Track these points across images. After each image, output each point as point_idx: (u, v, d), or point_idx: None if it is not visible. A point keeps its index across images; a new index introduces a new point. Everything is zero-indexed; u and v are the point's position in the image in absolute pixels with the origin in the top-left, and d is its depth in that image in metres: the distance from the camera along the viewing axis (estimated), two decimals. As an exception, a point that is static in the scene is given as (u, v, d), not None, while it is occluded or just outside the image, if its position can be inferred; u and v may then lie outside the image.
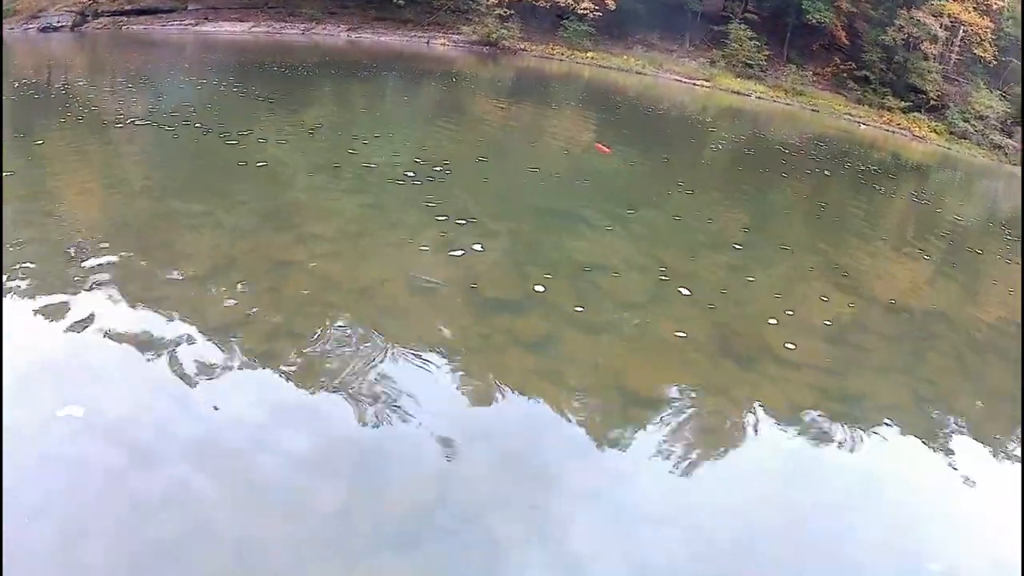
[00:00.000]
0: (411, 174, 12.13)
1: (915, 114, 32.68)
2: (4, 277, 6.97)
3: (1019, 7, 34.64)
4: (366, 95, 21.94)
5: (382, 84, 24.13)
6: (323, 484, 5.05)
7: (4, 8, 35.30)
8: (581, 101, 26.24)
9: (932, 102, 33.08)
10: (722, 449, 6.25)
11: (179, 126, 13.70)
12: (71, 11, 34.41)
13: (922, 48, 33.06)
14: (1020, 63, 33.28)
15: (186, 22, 33.84)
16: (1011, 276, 14.15)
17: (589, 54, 31.92)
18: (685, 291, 9.17)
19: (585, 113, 23.96)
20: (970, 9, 33.30)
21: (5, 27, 34.97)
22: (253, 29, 33.34)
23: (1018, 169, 32.26)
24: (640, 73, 31.61)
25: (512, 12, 31.81)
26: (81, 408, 5.37)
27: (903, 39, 32.78)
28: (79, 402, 5.45)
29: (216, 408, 5.62)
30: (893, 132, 32.07)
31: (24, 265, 7.34)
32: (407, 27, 33.03)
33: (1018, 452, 7.21)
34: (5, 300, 6.60)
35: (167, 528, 4.54)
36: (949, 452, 6.95)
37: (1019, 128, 33.12)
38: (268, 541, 4.54)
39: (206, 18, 33.82)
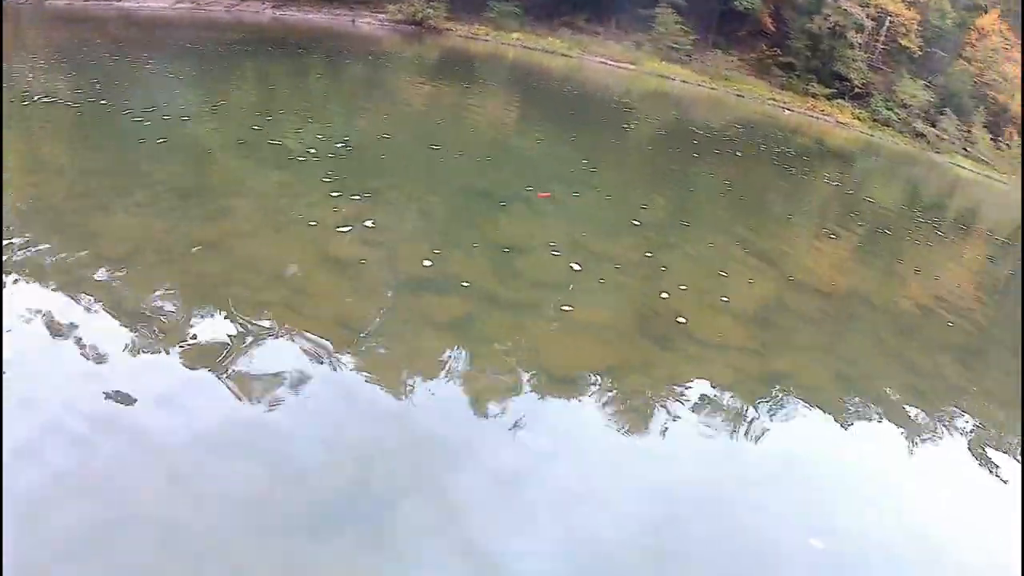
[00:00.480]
0: (316, 152, 11.82)
1: (839, 101, 33.01)
2: None
3: (945, 0, 35.29)
4: (288, 74, 21.47)
5: (304, 63, 23.68)
6: (238, 469, 4.87)
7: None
8: (505, 82, 26.00)
9: (857, 90, 33.45)
10: (643, 429, 6.17)
11: (94, 104, 13.11)
12: (-9, -17, 33.43)
13: (848, 37, 33.39)
14: (944, 54, 33.85)
15: (108, -3, 32.98)
16: (930, 260, 14.50)
17: (515, 35, 31.65)
18: (605, 271, 9.06)
19: (508, 94, 23.72)
20: (897, 0, 33.79)
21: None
22: (177, 6, 32.55)
23: (939, 157, 32.80)
24: (565, 55, 31.39)
25: (438, -10, 31.53)
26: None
27: (829, 27, 33.08)
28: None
29: (123, 393, 5.35)
30: (817, 118, 32.35)
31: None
32: (333, 5, 32.44)
33: (927, 432, 7.26)
34: None
35: (84, 513, 4.34)
36: (868, 430, 7.00)
37: (942, 117, 33.68)
38: (187, 526, 4.36)
39: (130, -7, 33.00)
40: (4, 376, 5.24)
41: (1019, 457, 7.12)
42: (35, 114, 12.46)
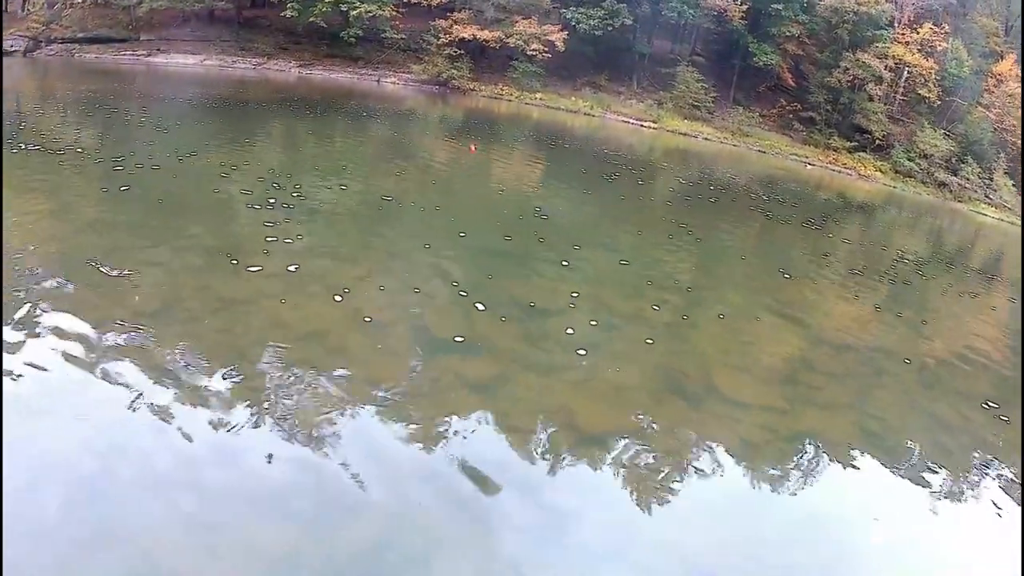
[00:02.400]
0: (341, 211, 12.23)
1: (861, 154, 33.20)
2: None
3: (963, 49, 35.51)
4: (313, 133, 22.03)
5: (330, 121, 24.22)
6: (271, 526, 5.08)
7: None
8: (528, 141, 26.46)
9: (878, 142, 33.65)
10: (670, 487, 6.30)
11: (125, 158, 13.71)
12: (24, 36, 34.45)
13: (867, 89, 33.70)
14: (962, 102, 33.99)
15: (138, 52, 33.98)
16: (955, 311, 14.44)
17: (538, 95, 32.24)
18: (631, 330, 9.26)
19: (532, 153, 24.14)
20: (914, 51, 34.04)
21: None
22: (205, 62, 33.49)
23: (962, 206, 32.84)
24: (588, 114, 31.94)
25: (462, 52, 32.14)
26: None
27: (848, 80, 33.41)
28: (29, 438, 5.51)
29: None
30: (839, 172, 32.54)
31: None
32: (358, 65, 33.26)
33: (957, 490, 7.27)
34: None
35: (114, 566, 4.56)
36: (895, 486, 7.02)
37: (963, 165, 33.75)
38: None
39: (159, 49, 33.99)
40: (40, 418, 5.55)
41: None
42: (82, 167, 13.15)
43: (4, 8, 36.78)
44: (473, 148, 15.95)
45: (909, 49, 34.15)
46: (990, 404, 9.45)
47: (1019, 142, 34.59)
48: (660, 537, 5.69)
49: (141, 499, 5.12)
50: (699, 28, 34.29)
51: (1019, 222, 31.75)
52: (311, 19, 31.90)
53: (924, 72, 34.23)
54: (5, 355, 6.42)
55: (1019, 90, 35.02)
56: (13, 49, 34.33)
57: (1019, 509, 6.93)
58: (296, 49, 33.30)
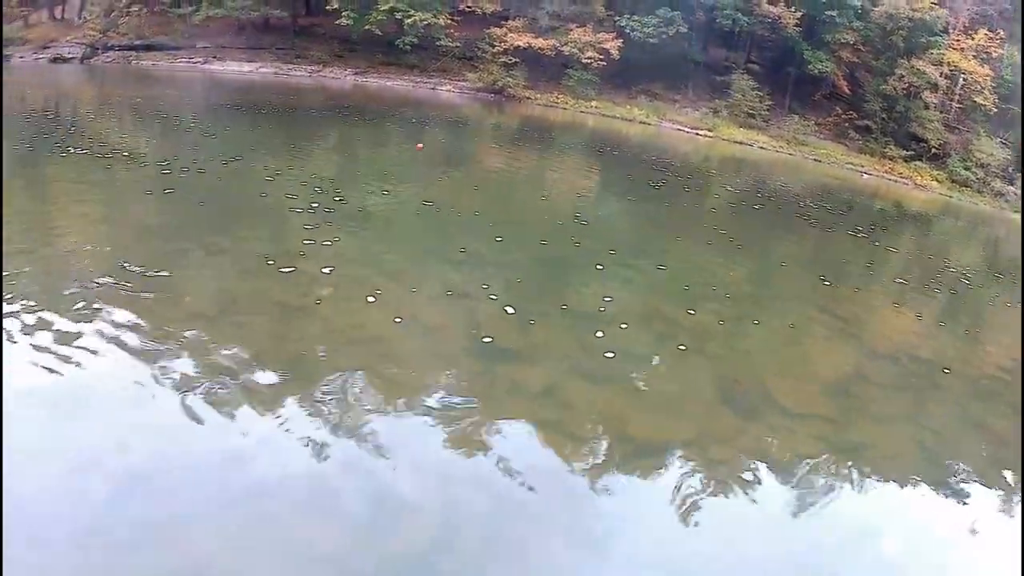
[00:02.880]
0: (395, 216, 12.41)
1: (916, 163, 32.94)
2: (7, 307, 7.14)
3: (1018, 55, 35.07)
4: (368, 139, 22.23)
5: (385, 128, 24.40)
6: (323, 528, 5.13)
7: (14, 37, 35.80)
8: (583, 149, 26.50)
9: (933, 150, 33.36)
10: (722, 498, 6.30)
11: (181, 164, 14.01)
12: (81, 43, 34.96)
13: (923, 97, 33.43)
14: (1020, 110, 33.57)
15: (194, 60, 34.36)
16: (1012, 323, 14.20)
17: (593, 103, 32.25)
18: (686, 340, 9.29)
19: (587, 161, 24.19)
20: (970, 58, 33.70)
21: (15, 55, 35.43)
22: (260, 69, 33.79)
23: (1019, 216, 32.48)
24: (643, 123, 31.92)
25: (517, 60, 32.19)
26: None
27: (904, 88, 33.14)
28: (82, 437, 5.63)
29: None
30: (895, 181, 32.30)
31: (27, 302, 7.45)
32: (413, 72, 33.41)
33: (1019, 501, 7.17)
34: (9, 333, 6.73)
35: (163, 566, 4.61)
36: (951, 502, 6.98)
37: (1020, 175, 33.36)
38: None
39: (214, 57, 34.36)
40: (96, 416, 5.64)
41: None
42: (140, 172, 13.52)
43: (61, 16, 37.31)
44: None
45: (964, 55, 33.82)
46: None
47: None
48: (710, 549, 5.72)
49: (190, 497, 5.21)
50: (754, 35, 34.07)
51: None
52: (366, 27, 32.10)
53: (979, 79, 33.85)
54: (58, 347, 6.62)
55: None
56: (71, 56, 34.90)
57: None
58: (351, 57, 33.52)
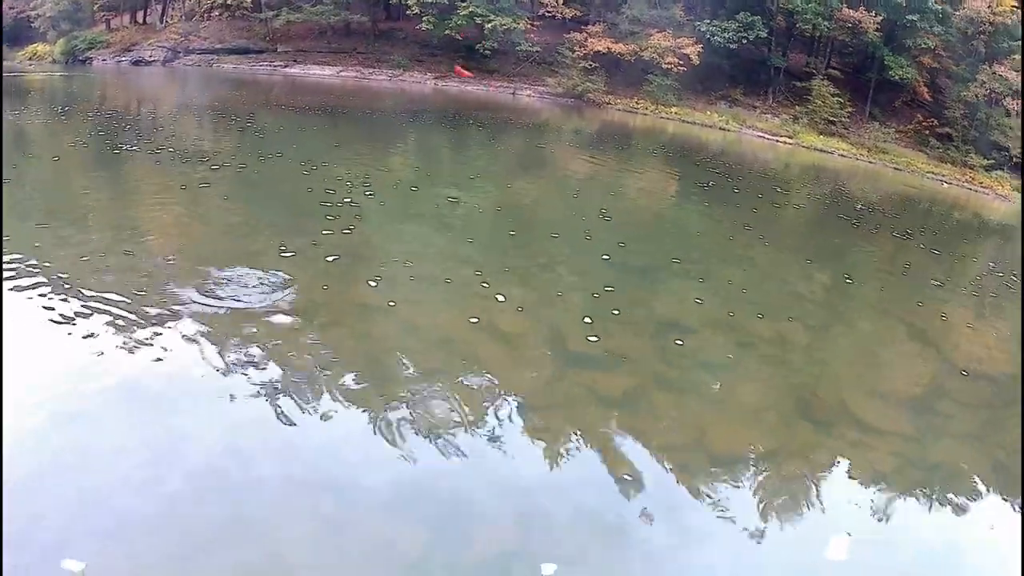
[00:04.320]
0: (474, 220, 12.87)
1: (998, 172, 32.55)
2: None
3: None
4: (449, 143, 22.62)
5: (466, 133, 24.76)
6: (404, 529, 5.29)
7: (97, 40, 36.68)
8: (663, 155, 26.58)
9: (1015, 159, 32.97)
10: (798, 514, 6.34)
11: (265, 165, 14.65)
12: (163, 47, 35.74)
13: (1005, 104, 32.96)
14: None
15: (275, 64, 34.95)
16: None
17: (673, 109, 32.31)
18: (764, 351, 9.35)
19: (667, 168, 24.29)
20: (1050, 62, 33.19)
21: (98, 58, 36.32)
22: (341, 74, 34.29)
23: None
24: (723, 129, 31.91)
25: (597, 65, 32.32)
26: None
27: (985, 95, 32.71)
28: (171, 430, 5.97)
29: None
30: (976, 191, 32.00)
31: (108, 295, 7.90)
32: (492, 77, 33.69)
33: None
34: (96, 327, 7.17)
35: (243, 561, 4.78)
36: None
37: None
38: None
39: (295, 61, 34.94)
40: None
41: None
42: (222, 173, 14.19)
43: (143, 20, 38.05)
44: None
45: (1047, 61, 33.32)
46: None
47: None
48: (789, 561, 5.77)
49: (271, 495, 5.36)
50: (833, 40, 33.88)
51: None
52: (446, 31, 32.44)
53: (1062, 85, 33.36)
54: (143, 347, 6.96)
55: None
56: (152, 59, 35.69)
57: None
58: (431, 61, 33.90)
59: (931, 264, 17.37)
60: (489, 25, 32.05)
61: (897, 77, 32.64)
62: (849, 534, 6.06)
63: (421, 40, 33.63)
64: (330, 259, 9.89)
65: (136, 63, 36.28)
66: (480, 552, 5.21)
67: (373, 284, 9.39)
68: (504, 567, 5.15)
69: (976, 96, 32.68)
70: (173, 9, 36.90)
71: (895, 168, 32.09)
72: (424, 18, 32.34)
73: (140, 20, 37.30)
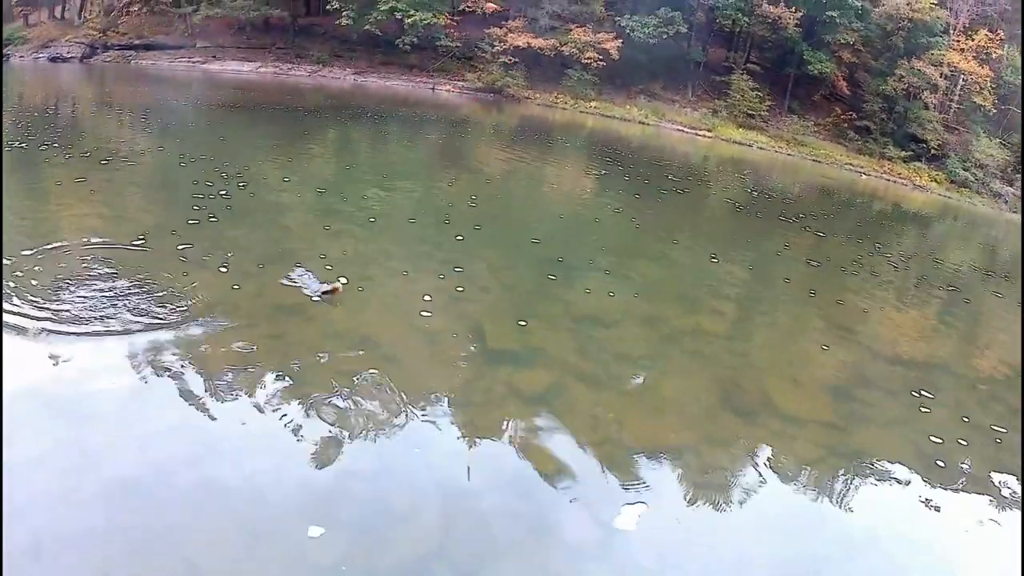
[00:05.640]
0: (393, 217, 12.45)
1: (916, 163, 32.94)
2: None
3: (1018, 56, 35.06)
4: (368, 139, 22.32)
5: (385, 128, 24.46)
6: (320, 534, 5.07)
7: (14, 37, 35.92)
8: (583, 150, 26.53)
9: (932, 151, 33.35)
10: (723, 504, 6.28)
11: (181, 164, 14.22)
12: (81, 43, 35.06)
13: (922, 97, 33.42)
14: (1020, 111, 33.59)
15: (194, 59, 34.42)
16: (1011, 324, 14.13)
17: (592, 103, 32.29)
18: (685, 344, 9.29)
19: (586, 162, 24.20)
20: (969, 58, 33.66)
21: (15, 55, 35.52)
22: (260, 69, 33.84)
23: (1018, 217, 32.48)
24: (643, 123, 31.95)
25: (517, 60, 32.22)
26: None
27: (904, 89, 33.14)
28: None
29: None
30: (894, 182, 32.31)
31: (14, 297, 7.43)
32: (412, 72, 33.47)
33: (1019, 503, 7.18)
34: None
35: (161, 572, 4.58)
36: (950, 509, 6.92)
37: (1019, 176, 33.37)
38: None
39: (214, 56, 34.44)
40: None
41: None
42: (137, 172, 13.74)
43: (61, 15, 37.35)
44: None
45: (964, 56, 33.76)
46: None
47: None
48: (713, 554, 5.71)
49: (186, 504, 5.18)
50: (754, 36, 34.07)
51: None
52: (366, 27, 32.17)
53: (979, 80, 33.80)
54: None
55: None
56: (70, 55, 34.95)
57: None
58: (351, 57, 33.60)
59: (850, 254, 17.44)
60: (409, 20, 31.84)
61: (816, 72, 32.94)
62: (644, 503, 5.97)
63: (340, 35, 33.32)
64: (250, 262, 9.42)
65: (53, 60, 35.52)
66: (400, 555, 5.04)
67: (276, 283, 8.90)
68: (425, 570, 5.00)
69: (895, 90, 33.10)
70: (91, 4, 36.22)
71: (814, 160, 32.30)
72: (344, 13, 32.05)
73: (58, 15, 36.59)
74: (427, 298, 9.08)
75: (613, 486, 6.24)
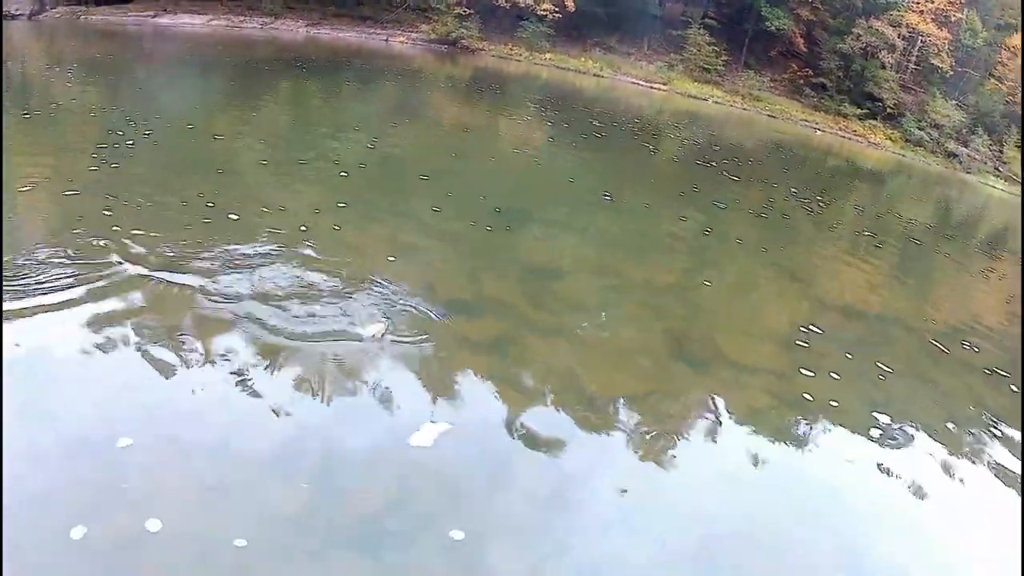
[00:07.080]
0: (347, 171, 12.13)
1: (871, 121, 32.94)
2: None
3: (978, 20, 35.14)
4: (321, 92, 21.86)
5: (338, 80, 24.03)
6: (282, 489, 5.01)
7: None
8: (537, 102, 26.23)
9: (888, 110, 33.35)
10: (676, 455, 6.23)
11: (133, 119, 13.57)
12: (29, -1, 33.97)
13: (880, 57, 33.35)
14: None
15: (144, 14, 33.55)
16: (961, 281, 14.45)
17: (547, 55, 31.93)
18: (637, 294, 9.21)
19: (540, 114, 23.92)
20: (928, 20, 33.66)
21: (-43, 14, 34.26)
22: (212, 22, 33.09)
23: (971, 177, 32.58)
24: (598, 76, 31.66)
25: (471, 11, 31.78)
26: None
27: (861, 48, 33.08)
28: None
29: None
30: (849, 139, 32.30)
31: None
32: (366, 24, 32.90)
33: (965, 458, 7.19)
34: None
35: (121, 528, 4.47)
36: (899, 458, 6.91)
37: (974, 137, 33.46)
38: (228, 541, 4.49)
39: (164, 10, 33.58)
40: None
41: None
42: (90, 128, 13.13)
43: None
44: None
45: (923, 18, 33.75)
46: (997, 372, 9.39)
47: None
48: (666, 503, 5.69)
49: (146, 461, 5.04)
50: (712, -10, 33.92)
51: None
52: (319, -24, 31.55)
53: (938, 41, 33.84)
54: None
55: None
56: (18, 12, 33.92)
57: (1020, 482, 6.90)
58: (303, 9, 32.91)
59: (803, 207, 17.53)
60: (363, -31, 31.29)
61: (774, 28, 32.77)
62: (434, 422, 5.92)
63: (293, -15, 32.70)
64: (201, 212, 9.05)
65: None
66: (359, 508, 5.01)
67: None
68: (384, 522, 4.95)
69: (852, 49, 33.04)
70: (39, -47, 35.23)
71: (769, 115, 32.20)
72: (296, -38, 31.43)
73: (5, -35, 35.62)
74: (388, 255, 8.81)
75: (564, 436, 6.11)
